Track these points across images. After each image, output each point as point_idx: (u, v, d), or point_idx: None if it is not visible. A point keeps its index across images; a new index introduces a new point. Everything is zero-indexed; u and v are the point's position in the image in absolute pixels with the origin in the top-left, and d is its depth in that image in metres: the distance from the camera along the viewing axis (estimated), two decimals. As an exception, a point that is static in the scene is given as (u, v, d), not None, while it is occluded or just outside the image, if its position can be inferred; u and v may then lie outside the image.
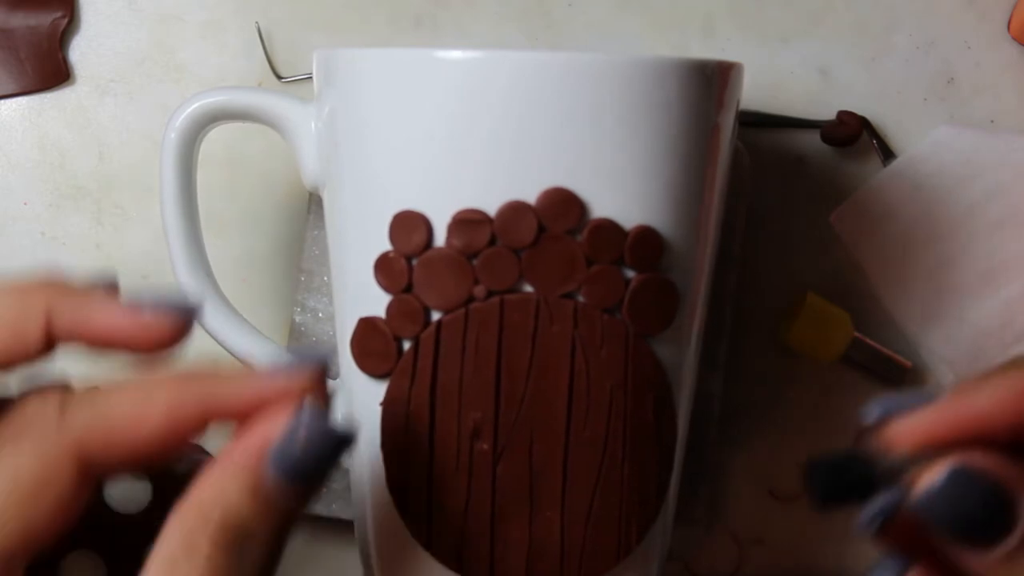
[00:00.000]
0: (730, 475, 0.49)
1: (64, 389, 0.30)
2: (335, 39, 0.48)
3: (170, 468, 0.47)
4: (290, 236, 0.48)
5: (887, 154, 0.48)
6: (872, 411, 0.30)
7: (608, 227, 0.34)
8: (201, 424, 0.29)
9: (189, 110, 0.39)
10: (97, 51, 0.48)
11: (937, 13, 0.48)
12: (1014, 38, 0.48)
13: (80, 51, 0.48)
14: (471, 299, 0.34)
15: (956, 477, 0.28)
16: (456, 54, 0.34)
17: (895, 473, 0.29)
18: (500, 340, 0.34)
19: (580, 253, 0.34)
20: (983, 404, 0.29)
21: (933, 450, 0.29)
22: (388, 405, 0.35)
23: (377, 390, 0.36)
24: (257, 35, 0.48)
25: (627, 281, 0.35)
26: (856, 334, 0.47)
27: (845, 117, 0.47)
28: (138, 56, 0.48)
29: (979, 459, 0.28)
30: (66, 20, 0.47)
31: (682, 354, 0.37)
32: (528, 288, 0.34)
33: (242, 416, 0.30)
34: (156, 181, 0.41)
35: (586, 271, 0.34)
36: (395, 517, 0.36)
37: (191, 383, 0.29)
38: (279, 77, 0.48)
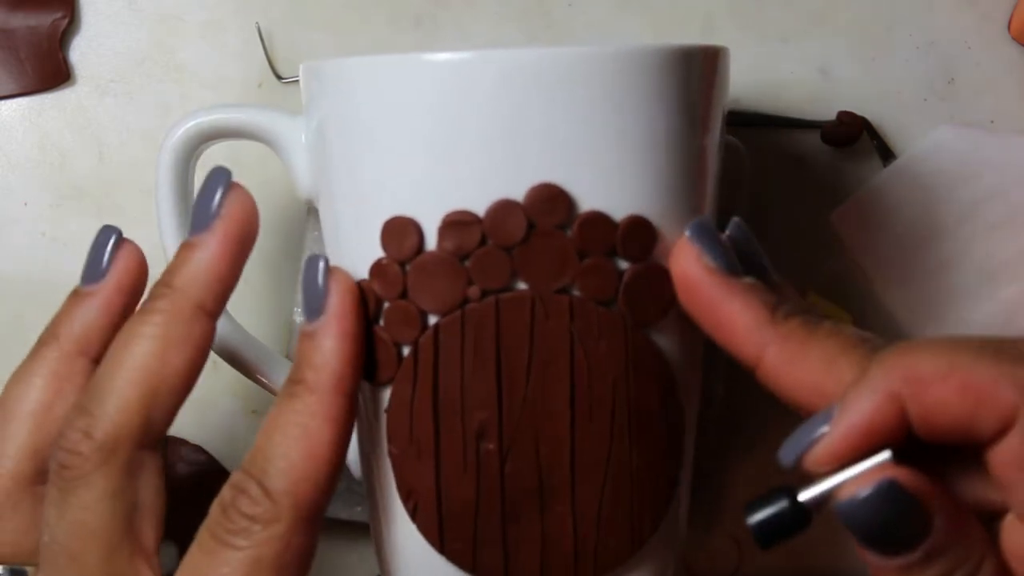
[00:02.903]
0: (730, 476, 0.49)
1: None
2: (335, 39, 0.48)
3: (171, 469, 0.47)
4: (290, 238, 0.48)
5: (887, 154, 0.48)
6: (786, 457, 0.31)
7: (598, 219, 0.34)
8: None
9: (179, 132, 0.39)
10: (97, 51, 0.48)
11: (937, 13, 0.48)
12: (1014, 38, 0.48)
13: (80, 51, 0.48)
14: (466, 300, 0.34)
15: (883, 490, 0.29)
16: (428, 56, 0.33)
17: (823, 500, 0.31)
18: (498, 339, 0.34)
19: (571, 247, 0.34)
20: (866, 415, 0.30)
21: (847, 463, 0.30)
22: (393, 412, 0.35)
23: (381, 398, 0.36)
24: (257, 35, 0.48)
25: (620, 272, 0.34)
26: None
27: (845, 117, 0.47)
28: (138, 56, 0.48)
29: (906, 476, 0.29)
30: (66, 20, 0.47)
31: (683, 342, 0.36)
32: (522, 285, 0.34)
33: None
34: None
35: (578, 265, 0.34)
36: (407, 522, 0.36)
37: None
38: (279, 77, 0.48)
